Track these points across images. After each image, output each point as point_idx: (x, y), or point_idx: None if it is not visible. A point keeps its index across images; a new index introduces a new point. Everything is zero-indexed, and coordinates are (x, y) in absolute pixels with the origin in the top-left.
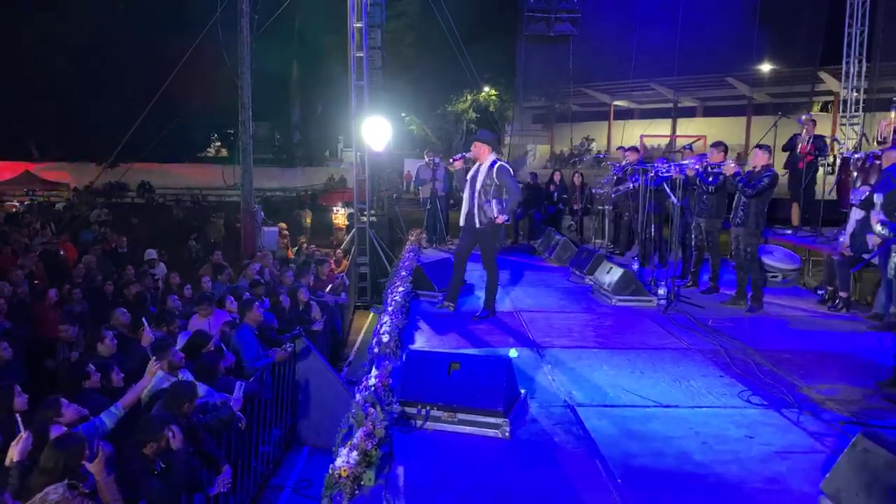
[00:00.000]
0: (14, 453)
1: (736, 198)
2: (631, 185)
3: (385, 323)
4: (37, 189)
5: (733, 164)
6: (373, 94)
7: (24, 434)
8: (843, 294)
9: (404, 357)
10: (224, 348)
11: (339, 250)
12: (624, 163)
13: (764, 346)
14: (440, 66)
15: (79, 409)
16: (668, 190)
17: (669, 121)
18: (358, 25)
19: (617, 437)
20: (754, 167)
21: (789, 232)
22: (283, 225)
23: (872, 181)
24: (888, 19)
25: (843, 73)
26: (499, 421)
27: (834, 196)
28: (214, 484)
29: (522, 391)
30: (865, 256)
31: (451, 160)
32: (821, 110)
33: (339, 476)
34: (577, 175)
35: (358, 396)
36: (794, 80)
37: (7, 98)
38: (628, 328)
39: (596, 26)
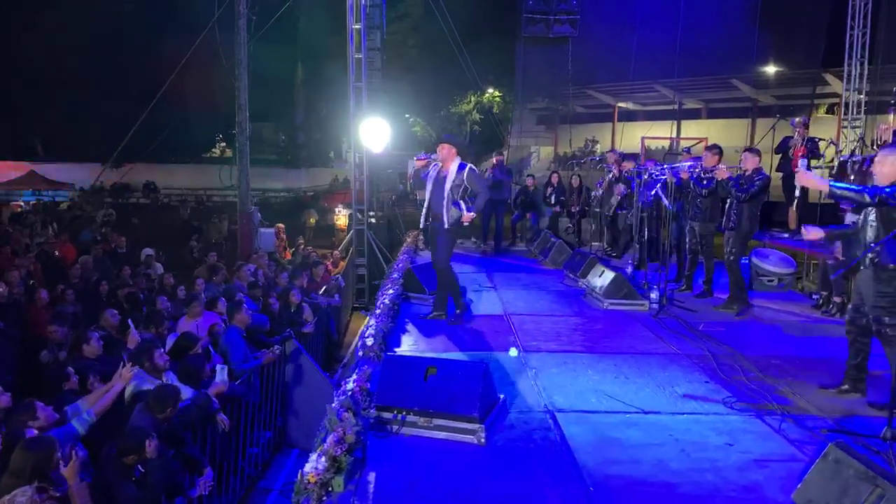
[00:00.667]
0: None
1: (728, 201)
2: (623, 189)
3: (371, 326)
4: (42, 188)
5: (725, 168)
6: (372, 96)
7: None
8: (836, 299)
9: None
10: (212, 350)
11: (336, 252)
12: (613, 165)
13: (753, 352)
14: (443, 67)
15: (54, 414)
16: (660, 193)
17: (673, 123)
18: (357, 27)
19: (594, 443)
20: (745, 170)
21: (786, 235)
22: (281, 226)
23: (869, 185)
24: (890, 21)
25: (845, 75)
26: (474, 427)
27: (831, 199)
28: (196, 486)
29: (501, 396)
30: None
31: (415, 158)
32: (826, 112)
33: (308, 482)
34: (575, 177)
35: (335, 401)
36: (798, 81)
37: (13, 97)
38: (617, 332)
39: (595, 27)
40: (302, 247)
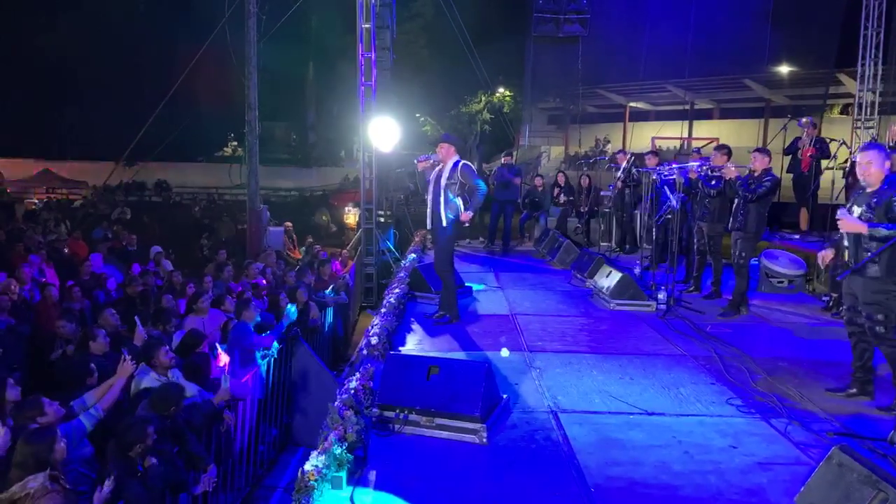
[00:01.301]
0: None
1: (735, 201)
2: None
3: (375, 325)
4: (56, 187)
5: (733, 168)
6: (382, 96)
7: (2, 429)
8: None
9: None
10: (217, 348)
11: (344, 251)
12: (624, 164)
13: (760, 354)
14: (453, 67)
15: (60, 409)
16: (668, 193)
17: (685, 123)
18: (366, 26)
19: (597, 444)
20: (754, 171)
21: (797, 237)
22: (289, 224)
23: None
24: None
25: (859, 75)
26: (476, 426)
27: (843, 200)
28: (200, 482)
29: (505, 396)
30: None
31: (415, 160)
32: (841, 112)
33: (308, 480)
34: (584, 177)
35: (337, 400)
36: (812, 81)
37: (28, 97)
38: (623, 333)
39: (606, 27)
40: (311, 245)
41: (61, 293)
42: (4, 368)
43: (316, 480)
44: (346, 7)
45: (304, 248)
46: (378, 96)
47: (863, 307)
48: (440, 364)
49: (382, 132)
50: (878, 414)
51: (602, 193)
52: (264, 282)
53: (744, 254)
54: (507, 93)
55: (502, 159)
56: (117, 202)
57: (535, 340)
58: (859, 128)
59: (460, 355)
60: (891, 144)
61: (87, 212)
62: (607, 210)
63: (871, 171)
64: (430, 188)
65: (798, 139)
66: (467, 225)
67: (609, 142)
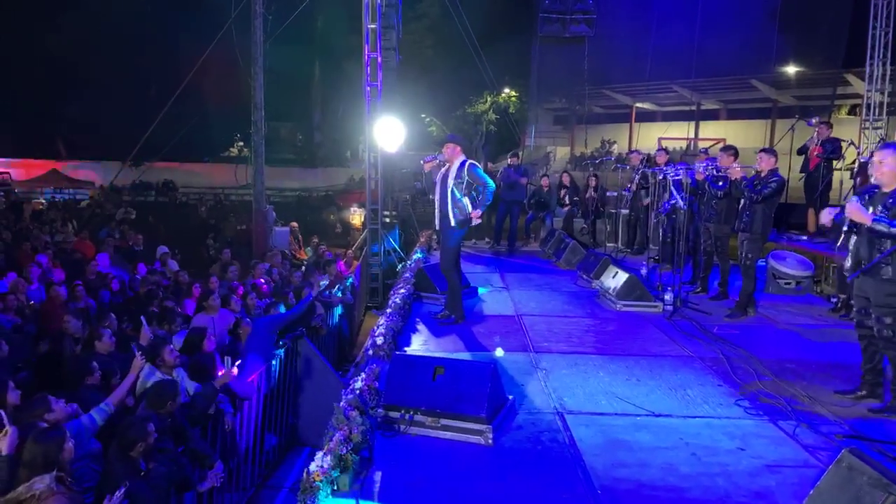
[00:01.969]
0: (3, 447)
1: (741, 202)
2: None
3: (381, 325)
4: (63, 187)
5: (739, 168)
6: (387, 96)
7: (9, 428)
8: (853, 302)
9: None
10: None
11: (349, 251)
12: (638, 165)
13: (768, 355)
14: (459, 67)
15: (68, 406)
16: (675, 193)
17: (691, 123)
18: (372, 27)
19: (603, 446)
20: (760, 171)
21: (804, 238)
22: (295, 224)
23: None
24: None
25: (867, 75)
26: (482, 427)
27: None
28: (207, 479)
29: (510, 397)
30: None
31: (422, 161)
32: (848, 113)
33: (313, 480)
34: (591, 177)
35: (343, 400)
36: (819, 82)
37: (35, 97)
38: (630, 334)
39: (612, 27)
40: (317, 244)
41: (68, 293)
42: (11, 367)
43: (321, 481)
44: (352, 7)
45: (308, 248)
46: (384, 97)
47: (874, 309)
48: (446, 364)
49: (388, 133)
50: (886, 417)
51: (608, 194)
52: (262, 282)
53: (750, 255)
54: (513, 93)
55: (508, 160)
56: (122, 202)
57: (540, 341)
58: (867, 128)
59: (466, 356)
60: None
61: (93, 212)
62: (613, 211)
63: (884, 170)
64: (437, 188)
65: (811, 139)
66: (479, 222)
67: (614, 142)
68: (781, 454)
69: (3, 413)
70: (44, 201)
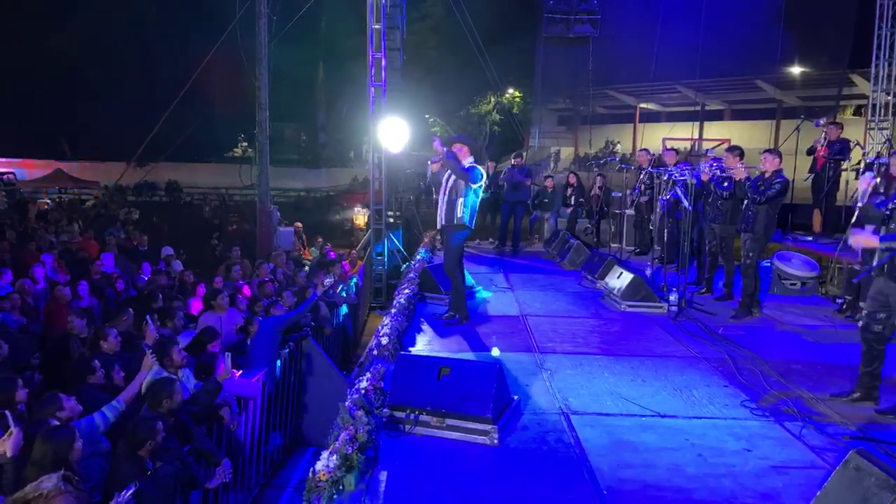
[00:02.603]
0: (7, 449)
1: (745, 202)
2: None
3: (385, 325)
4: (68, 187)
5: (743, 169)
6: (391, 96)
7: (14, 430)
8: (861, 303)
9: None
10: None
11: (353, 251)
12: (646, 167)
13: (773, 356)
14: (463, 67)
15: (78, 405)
16: (680, 194)
17: (696, 124)
18: (376, 27)
19: (609, 446)
20: (764, 172)
21: (810, 239)
22: (299, 224)
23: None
24: None
25: (872, 75)
26: (487, 428)
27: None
28: (214, 476)
29: (516, 397)
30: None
31: (429, 161)
32: (854, 114)
33: (319, 480)
34: (598, 177)
35: (348, 399)
36: (824, 82)
37: (40, 97)
38: (635, 335)
39: (616, 27)
40: (322, 244)
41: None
42: (16, 367)
43: (326, 480)
44: (356, 8)
45: (314, 248)
46: (388, 97)
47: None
48: (451, 365)
49: (392, 133)
50: (894, 420)
51: (612, 195)
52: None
53: (751, 254)
54: (517, 94)
55: (512, 160)
56: (126, 202)
57: (545, 342)
58: (873, 129)
59: (470, 356)
60: None
61: (98, 212)
62: (618, 211)
63: None
64: (442, 188)
65: (819, 139)
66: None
67: (618, 143)
68: (788, 455)
69: (8, 414)
70: (49, 201)
